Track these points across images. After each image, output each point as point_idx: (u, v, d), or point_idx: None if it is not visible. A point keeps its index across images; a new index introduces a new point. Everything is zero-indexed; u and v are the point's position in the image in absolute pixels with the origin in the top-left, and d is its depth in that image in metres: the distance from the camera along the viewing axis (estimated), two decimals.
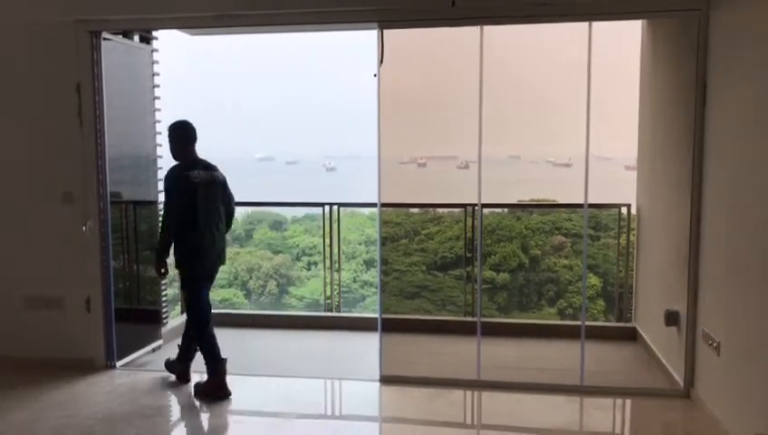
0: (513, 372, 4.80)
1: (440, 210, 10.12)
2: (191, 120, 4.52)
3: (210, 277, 4.66)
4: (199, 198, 4.38)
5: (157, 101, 5.45)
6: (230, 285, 11.74)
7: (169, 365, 4.82)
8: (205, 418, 4.52)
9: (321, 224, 6.60)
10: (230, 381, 4.79)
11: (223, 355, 4.48)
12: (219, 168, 4.59)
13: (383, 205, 4.83)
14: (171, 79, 5.44)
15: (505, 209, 9.81)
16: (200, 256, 4.49)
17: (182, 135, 4.46)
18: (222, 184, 4.57)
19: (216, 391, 4.44)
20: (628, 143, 5.84)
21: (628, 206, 5.91)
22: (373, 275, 11.31)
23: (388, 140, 4.65)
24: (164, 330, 5.58)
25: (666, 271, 4.84)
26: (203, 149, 4.57)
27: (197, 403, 4.49)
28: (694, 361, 4.30)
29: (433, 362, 5.13)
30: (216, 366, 4.45)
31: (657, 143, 5.17)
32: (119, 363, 5.01)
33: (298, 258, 12.33)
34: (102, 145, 4.82)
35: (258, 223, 13.17)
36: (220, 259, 4.63)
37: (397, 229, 10.21)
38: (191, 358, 4.72)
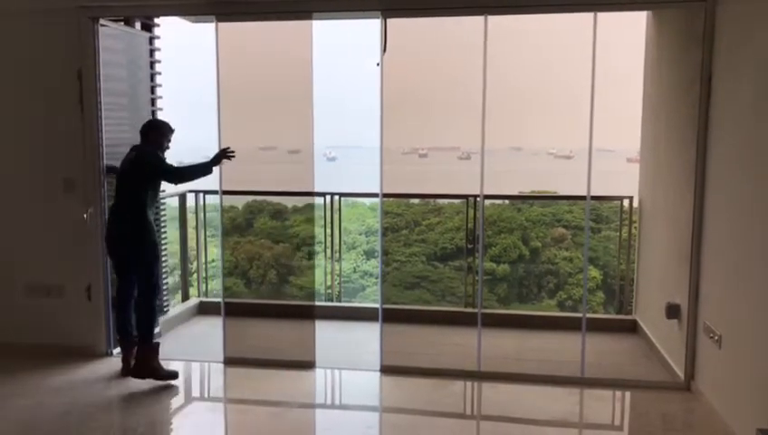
0: (514, 364, 4.81)
1: (441, 201, 10.12)
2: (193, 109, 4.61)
3: (118, 262, 4.58)
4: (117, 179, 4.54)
5: (158, 89, 5.43)
6: (230, 274, 11.74)
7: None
8: (205, 406, 4.53)
9: (323, 214, 6.59)
10: (230, 370, 4.80)
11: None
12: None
13: (384, 195, 4.81)
14: (175, 67, 5.41)
15: (506, 201, 9.80)
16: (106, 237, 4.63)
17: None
18: (135, 162, 4.41)
19: (123, 368, 4.61)
20: (630, 135, 5.82)
21: (630, 198, 5.90)
22: (373, 266, 11.31)
23: (389, 130, 4.62)
24: (164, 318, 5.57)
25: (667, 263, 4.84)
26: (205, 139, 4.58)
27: (199, 391, 4.50)
28: (695, 354, 4.30)
29: (433, 353, 5.13)
30: (122, 344, 4.66)
31: (660, 135, 5.15)
32: (118, 351, 5.00)
33: (298, 248, 12.32)
34: (102, 132, 4.79)
35: (259, 212, 13.15)
36: (118, 241, 4.49)
37: (397, 220, 10.22)
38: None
